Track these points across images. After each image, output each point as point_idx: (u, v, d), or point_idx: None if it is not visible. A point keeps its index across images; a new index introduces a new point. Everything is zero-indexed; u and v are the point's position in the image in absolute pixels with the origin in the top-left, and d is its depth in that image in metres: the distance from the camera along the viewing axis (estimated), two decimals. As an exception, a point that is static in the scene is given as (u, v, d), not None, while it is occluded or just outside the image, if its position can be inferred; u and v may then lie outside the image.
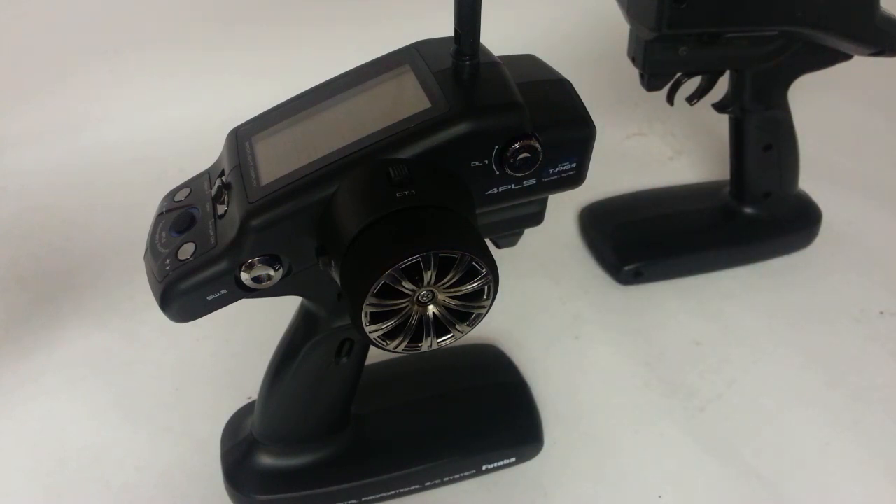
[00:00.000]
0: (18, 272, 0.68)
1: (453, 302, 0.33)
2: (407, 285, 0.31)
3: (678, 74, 0.59)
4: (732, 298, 0.65)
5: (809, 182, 0.70)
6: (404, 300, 0.32)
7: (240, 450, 0.48)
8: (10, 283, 0.67)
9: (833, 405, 0.56)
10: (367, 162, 0.34)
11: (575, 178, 0.38)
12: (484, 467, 0.51)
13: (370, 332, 0.33)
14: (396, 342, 0.33)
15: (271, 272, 0.35)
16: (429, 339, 0.34)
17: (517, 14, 0.91)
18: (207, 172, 0.40)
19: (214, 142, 0.42)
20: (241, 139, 0.38)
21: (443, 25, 0.39)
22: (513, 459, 0.51)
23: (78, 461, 0.52)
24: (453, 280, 0.32)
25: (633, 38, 0.57)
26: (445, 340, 0.34)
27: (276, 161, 0.36)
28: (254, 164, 0.36)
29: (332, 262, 0.34)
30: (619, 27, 0.58)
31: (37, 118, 0.82)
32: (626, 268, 0.66)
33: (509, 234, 0.41)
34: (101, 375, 0.58)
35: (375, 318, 0.32)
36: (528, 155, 0.35)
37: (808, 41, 0.57)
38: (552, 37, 0.92)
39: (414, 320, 0.33)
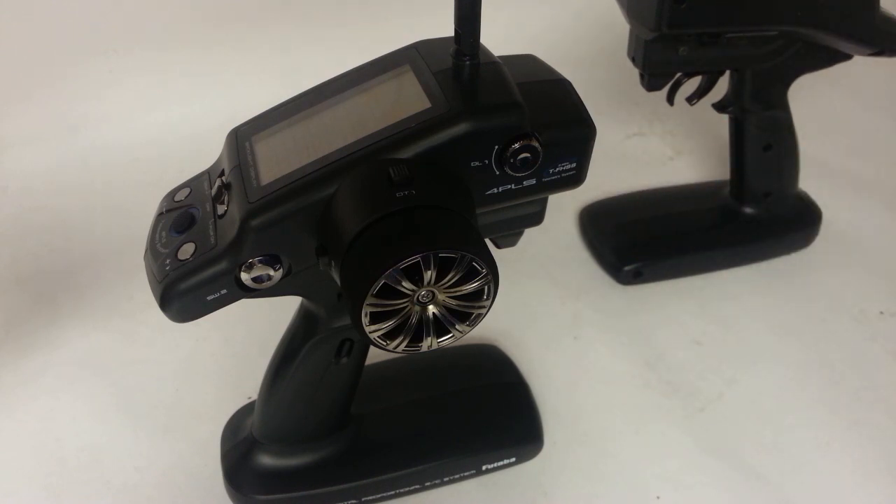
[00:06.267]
0: (18, 272, 0.68)
1: (453, 302, 0.33)
2: (407, 285, 0.31)
3: (678, 74, 0.59)
4: (732, 298, 0.65)
5: (809, 182, 0.70)
6: (404, 300, 0.32)
7: (240, 450, 0.48)
8: (10, 283, 0.67)
9: (833, 405, 0.56)
10: (368, 162, 0.34)
11: (575, 178, 0.38)
12: (484, 467, 0.51)
13: (370, 332, 0.33)
14: (396, 342, 0.34)
15: (271, 272, 0.35)
16: (429, 339, 0.34)
17: (517, 14, 0.91)
18: (207, 172, 0.40)
19: (214, 142, 0.42)
20: (241, 139, 0.38)
21: (443, 25, 0.39)
22: (513, 459, 0.51)
23: (78, 461, 0.52)
24: (453, 280, 0.32)
25: (633, 38, 0.57)
26: (445, 340, 0.34)
27: (276, 161, 0.36)
28: (254, 164, 0.36)
29: (332, 262, 0.34)
30: (619, 27, 0.58)
31: (37, 118, 0.82)
32: (626, 268, 0.66)
33: (509, 234, 0.41)
34: (101, 375, 0.58)
35: (375, 318, 0.32)
36: (528, 155, 0.35)
37: (808, 41, 0.57)
38: (552, 37, 0.92)
39: (414, 320, 0.33)
